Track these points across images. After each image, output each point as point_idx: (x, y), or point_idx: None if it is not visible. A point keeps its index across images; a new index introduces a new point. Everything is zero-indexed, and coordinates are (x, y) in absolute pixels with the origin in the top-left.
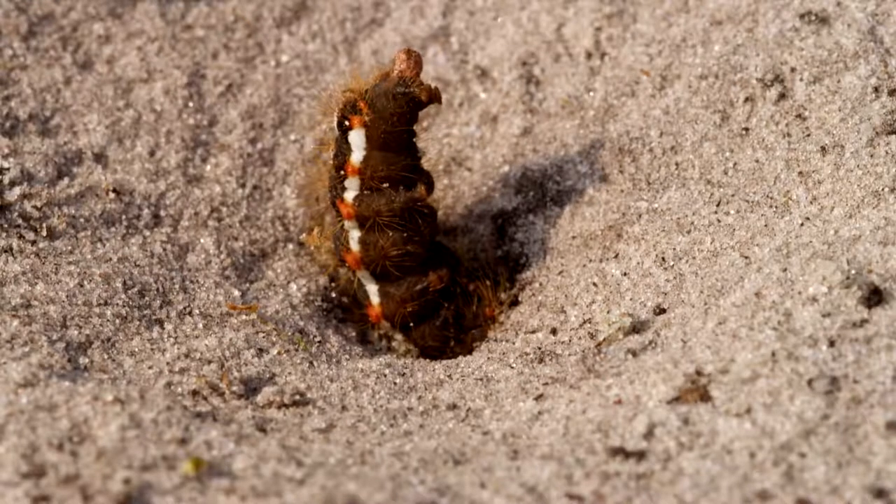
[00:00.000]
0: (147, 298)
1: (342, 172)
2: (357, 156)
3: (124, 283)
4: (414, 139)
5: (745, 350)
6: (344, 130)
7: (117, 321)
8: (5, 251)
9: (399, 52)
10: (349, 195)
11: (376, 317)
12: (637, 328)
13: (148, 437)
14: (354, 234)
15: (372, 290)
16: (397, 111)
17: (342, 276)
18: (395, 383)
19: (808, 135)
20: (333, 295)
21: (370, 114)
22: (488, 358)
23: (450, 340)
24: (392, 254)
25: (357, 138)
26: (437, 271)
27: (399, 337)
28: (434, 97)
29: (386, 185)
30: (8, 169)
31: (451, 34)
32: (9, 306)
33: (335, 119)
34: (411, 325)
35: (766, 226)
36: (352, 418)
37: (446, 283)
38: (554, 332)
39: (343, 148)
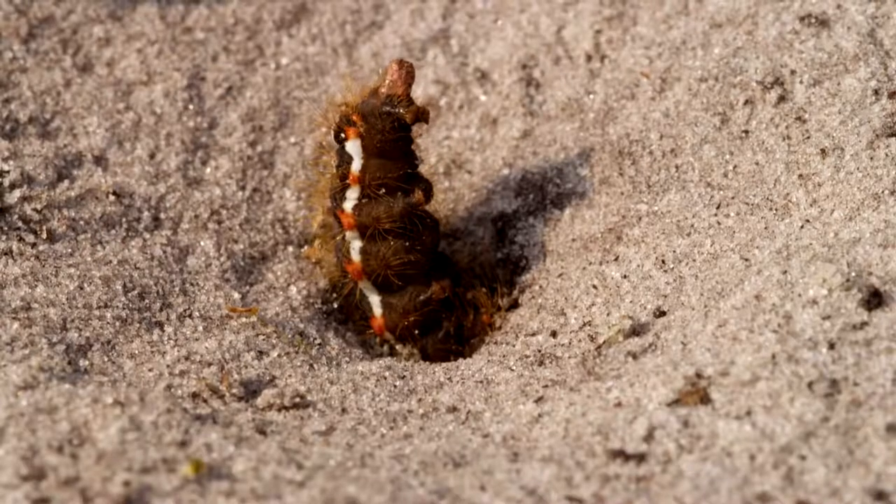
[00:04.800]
0: (147, 301)
1: (346, 182)
2: (356, 164)
3: (124, 286)
4: (412, 146)
5: (745, 352)
6: (340, 142)
7: (117, 324)
8: (5, 254)
9: (391, 63)
10: (348, 205)
11: (379, 328)
12: (637, 331)
13: (148, 440)
14: (355, 245)
15: (374, 301)
16: (386, 127)
17: (343, 289)
18: (395, 386)
19: (808, 137)
20: (335, 305)
21: (364, 125)
22: (488, 360)
23: (452, 353)
24: (393, 262)
25: (354, 147)
26: (440, 282)
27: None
28: (420, 118)
29: (383, 191)
30: (8, 171)
31: (450, 37)
32: (9, 309)
33: (331, 132)
34: (416, 333)
35: (766, 228)
36: (352, 421)
37: (449, 294)
38: (554, 334)
39: (344, 158)
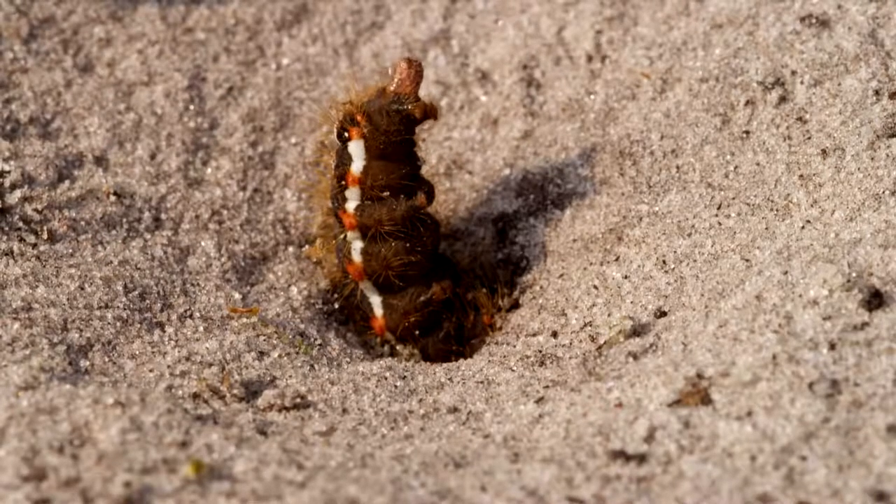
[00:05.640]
0: (148, 301)
1: (343, 182)
2: (357, 165)
3: (125, 286)
4: (414, 148)
5: (745, 353)
6: (343, 141)
7: (118, 324)
8: (6, 254)
9: (400, 61)
10: (350, 205)
11: (380, 328)
12: (638, 331)
13: (148, 440)
14: (356, 245)
15: (375, 301)
16: (392, 127)
17: (344, 290)
18: (395, 386)
19: (809, 138)
20: (336, 306)
21: (368, 126)
22: (489, 361)
23: (453, 353)
24: (394, 263)
25: (356, 149)
26: (441, 283)
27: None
28: (429, 114)
29: (386, 193)
30: (9, 172)
31: (451, 37)
32: (9, 309)
33: (335, 131)
34: (416, 333)
35: (766, 229)
36: (352, 421)
37: (449, 295)
38: (555, 335)
39: (344, 158)
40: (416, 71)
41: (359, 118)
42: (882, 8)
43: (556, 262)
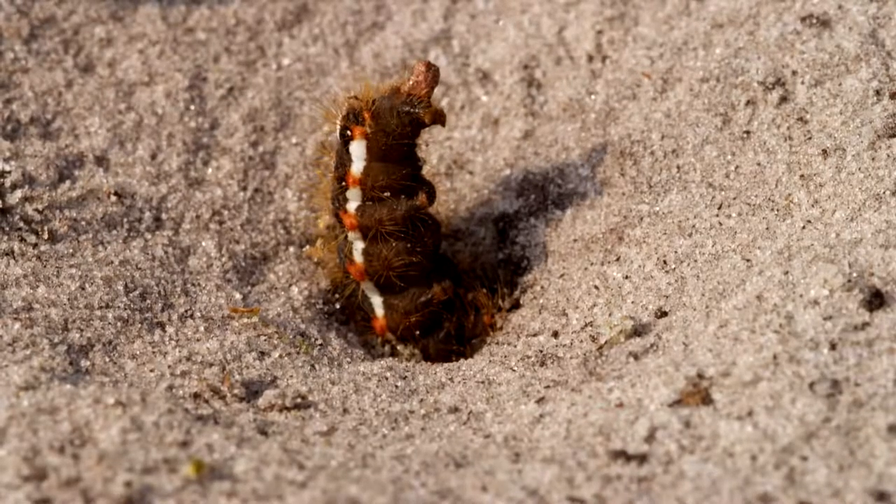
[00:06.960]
0: (148, 301)
1: (343, 184)
2: (357, 166)
3: (126, 286)
4: (415, 149)
5: (746, 353)
6: (346, 140)
7: (119, 324)
8: (7, 254)
9: (418, 63)
10: (351, 206)
11: (381, 329)
12: (638, 331)
13: (149, 440)
14: (358, 246)
15: (377, 301)
16: (399, 128)
17: (345, 290)
18: (396, 386)
19: (810, 138)
20: (337, 306)
21: (373, 126)
22: (490, 361)
23: (453, 354)
24: (396, 264)
25: (358, 149)
26: (441, 283)
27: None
28: (438, 120)
29: (387, 194)
30: (9, 172)
31: (452, 37)
32: (10, 309)
33: (337, 128)
34: (417, 334)
35: (767, 229)
36: (353, 421)
37: (450, 295)
38: (555, 335)
39: (344, 158)
40: (432, 75)
41: (365, 115)
42: (882, 8)
43: (556, 262)
